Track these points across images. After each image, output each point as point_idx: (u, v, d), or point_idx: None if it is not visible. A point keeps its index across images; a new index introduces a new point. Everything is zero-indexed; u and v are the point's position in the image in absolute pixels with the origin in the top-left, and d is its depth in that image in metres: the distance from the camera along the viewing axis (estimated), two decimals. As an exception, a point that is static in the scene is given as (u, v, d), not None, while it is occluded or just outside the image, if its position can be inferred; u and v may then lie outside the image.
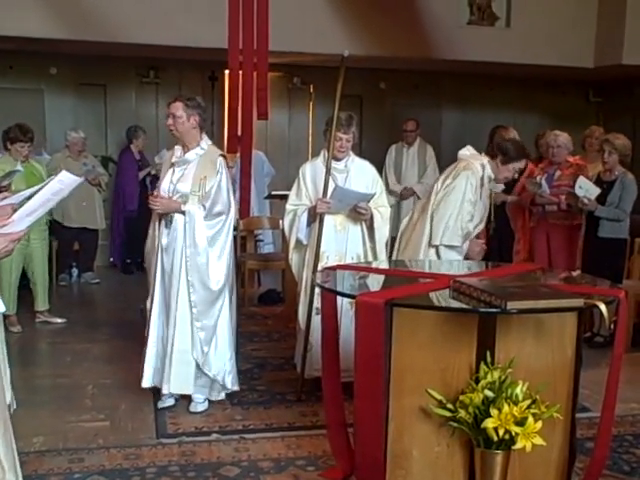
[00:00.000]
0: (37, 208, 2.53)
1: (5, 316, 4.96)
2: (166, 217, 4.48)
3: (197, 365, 4.51)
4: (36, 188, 3.59)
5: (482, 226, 4.88)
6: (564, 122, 8.67)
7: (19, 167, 6.20)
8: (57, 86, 9.42)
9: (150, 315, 4.59)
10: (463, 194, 4.60)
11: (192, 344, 4.47)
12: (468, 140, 5.07)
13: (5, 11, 7.50)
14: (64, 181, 2.53)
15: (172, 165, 4.55)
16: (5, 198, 2.57)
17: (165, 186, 4.51)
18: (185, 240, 4.41)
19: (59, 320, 6.68)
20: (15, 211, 2.52)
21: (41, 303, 6.64)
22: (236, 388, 4.70)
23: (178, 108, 4.41)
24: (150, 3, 7.83)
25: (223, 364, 4.58)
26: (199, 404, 4.59)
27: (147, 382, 4.60)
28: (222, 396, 4.66)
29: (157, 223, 4.56)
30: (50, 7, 7.66)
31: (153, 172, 8.68)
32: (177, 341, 4.46)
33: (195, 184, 4.43)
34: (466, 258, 4.73)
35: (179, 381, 4.50)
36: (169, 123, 4.46)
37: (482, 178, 4.69)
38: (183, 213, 4.41)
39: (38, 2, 7.62)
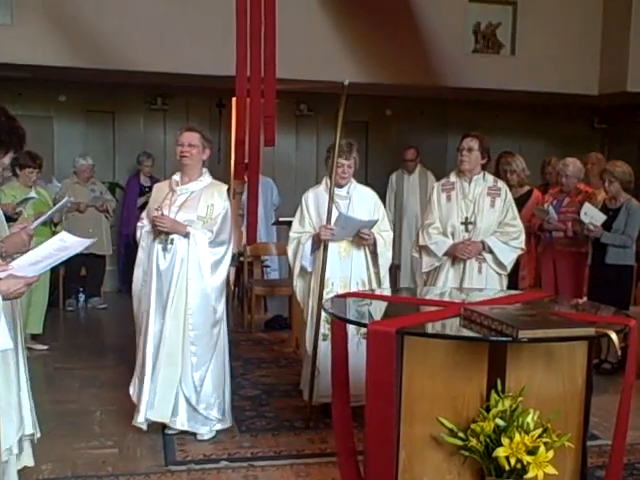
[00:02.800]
0: (42, 260, 2.63)
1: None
2: (164, 240, 4.42)
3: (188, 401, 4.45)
4: (49, 213, 3.69)
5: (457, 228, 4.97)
6: (569, 148, 8.71)
7: (33, 194, 6.29)
8: (66, 113, 9.52)
9: (145, 345, 4.45)
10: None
11: (182, 373, 4.40)
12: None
13: (15, 39, 7.61)
14: (66, 240, 2.64)
15: (171, 192, 4.52)
16: (25, 227, 2.66)
17: (166, 211, 4.44)
18: (188, 263, 4.38)
19: (40, 347, 6.58)
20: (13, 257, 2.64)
21: (35, 327, 6.51)
22: (228, 424, 4.60)
23: (195, 138, 4.45)
24: (158, 31, 7.92)
25: (216, 397, 4.52)
26: (205, 434, 4.54)
27: (141, 417, 4.43)
28: (216, 429, 4.55)
29: (152, 247, 4.47)
30: (59, 35, 7.77)
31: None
32: (165, 365, 4.37)
33: (202, 210, 4.43)
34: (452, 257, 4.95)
35: (161, 408, 4.38)
36: (185, 150, 4.42)
37: (446, 183, 5.07)
38: (186, 236, 4.39)
39: (47, 30, 7.72)
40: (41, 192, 6.66)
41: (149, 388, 4.39)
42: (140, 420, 4.42)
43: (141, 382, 4.44)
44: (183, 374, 4.41)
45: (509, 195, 5.08)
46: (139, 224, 4.63)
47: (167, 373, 4.39)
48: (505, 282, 5.05)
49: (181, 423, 4.47)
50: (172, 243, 4.41)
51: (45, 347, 6.62)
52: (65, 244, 2.62)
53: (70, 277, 8.40)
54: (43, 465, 4.03)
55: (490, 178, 5.08)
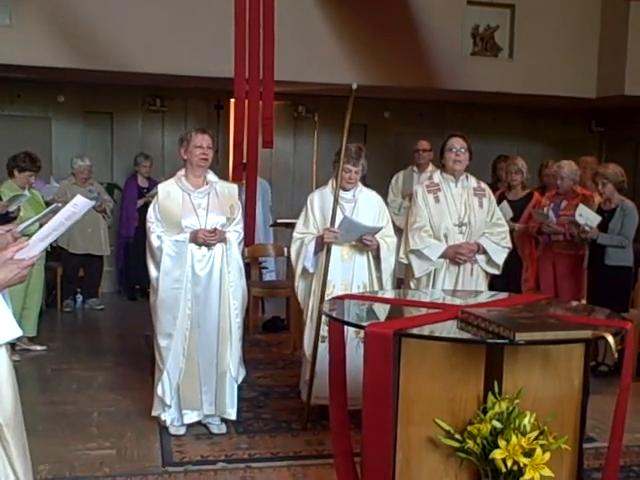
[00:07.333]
0: (50, 232, 2.56)
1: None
2: (204, 248, 4.51)
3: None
4: (38, 216, 3.62)
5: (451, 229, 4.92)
6: (567, 151, 8.72)
7: (26, 192, 6.27)
8: (64, 114, 9.51)
9: (171, 347, 4.53)
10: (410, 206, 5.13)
11: (232, 362, 4.62)
12: (471, 169, 5.10)
13: (14, 40, 7.61)
14: (78, 205, 2.56)
15: (187, 195, 4.53)
16: (10, 230, 2.59)
17: (202, 214, 4.52)
18: (228, 267, 4.53)
19: (39, 348, 6.59)
20: (24, 236, 2.55)
21: (30, 329, 6.40)
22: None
23: (210, 141, 4.58)
24: (157, 33, 7.93)
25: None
26: (217, 425, 4.68)
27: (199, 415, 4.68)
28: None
29: (186, 255, 4.47)
30: (58, 37, 7.77)
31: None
32: (223, 363, 4.60)
33: (227, 211, 4.59)
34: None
35: (230, 402, 4.67)
36: (206, 152, 4.53)
37: (430, 185, 5.00)
38: (223, 241, 4.52)
39: (46, 31, 7.73)
40: (36, 194, 6.64)
41: (204, 389, 4.60)
42: (198, 418, 4.66)
43: (194, 383, 4.58)
44: (233, 366, 4.65)
45: (492, 195, 5.13)
46: (152, 228, 4.50)
47: (224, 372, 4.61)
48: (487, 281, 5.09)
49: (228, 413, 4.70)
50: (211, 249, 4.51)
51: (42, 348, 6.62)
52: (76, 209, 2.56)
53: (68, 278, 8.39)
54: (40, 466, 4.02)
55: (472, 179, 5.07)
